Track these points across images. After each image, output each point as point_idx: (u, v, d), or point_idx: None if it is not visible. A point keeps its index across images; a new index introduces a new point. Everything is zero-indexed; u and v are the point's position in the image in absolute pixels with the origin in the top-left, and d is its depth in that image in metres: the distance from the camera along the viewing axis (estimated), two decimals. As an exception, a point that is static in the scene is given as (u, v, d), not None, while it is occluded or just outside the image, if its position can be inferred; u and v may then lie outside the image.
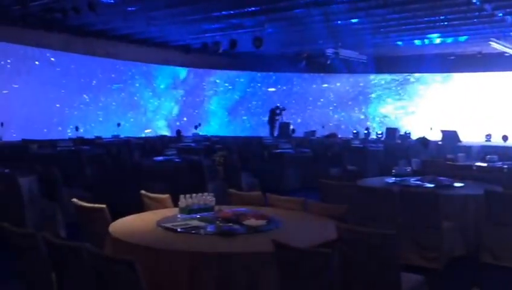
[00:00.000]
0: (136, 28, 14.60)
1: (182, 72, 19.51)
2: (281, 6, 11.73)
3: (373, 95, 20.32)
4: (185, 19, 13.08)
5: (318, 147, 12.84)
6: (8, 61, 14.02)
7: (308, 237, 3.56)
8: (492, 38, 13.98)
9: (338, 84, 20.38)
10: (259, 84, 20.75)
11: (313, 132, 17.90)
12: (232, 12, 12.17)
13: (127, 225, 3.80)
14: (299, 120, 19.74)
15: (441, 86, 18.89)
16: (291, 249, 3.01)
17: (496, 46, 14.40)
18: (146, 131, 17.82)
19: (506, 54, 15.48)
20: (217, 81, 20.60)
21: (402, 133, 16.36)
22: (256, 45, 14.03)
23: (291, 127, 18.04)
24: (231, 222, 3.71)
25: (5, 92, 13.69)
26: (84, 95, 16.07)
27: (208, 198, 4.09)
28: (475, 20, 12.44)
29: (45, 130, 14.32)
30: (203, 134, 17.51)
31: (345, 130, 19.10)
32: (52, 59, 15.07)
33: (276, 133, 17.85)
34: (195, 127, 18.33)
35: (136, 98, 17.88)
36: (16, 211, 5.83)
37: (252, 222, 3.74)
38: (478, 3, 10.72)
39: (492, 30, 13.47)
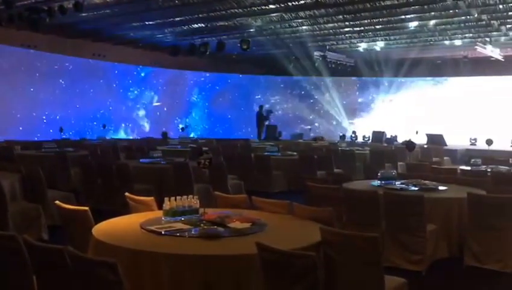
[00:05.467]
0: (124, 29, 14.55)
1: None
2: (270, 9, 11.78)
3: (360, 99, 20.49)
4: (173, 20, 13.07)
5: (305, 150, 12.88)
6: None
7: (292, 239, 3.55)
8: (478, 43, 14.15)
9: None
10: (243, 82, 20.73)
11: (300, 135, 17.97)
12: (219, 13, 12.18)
13: (110, 227, 3.77)
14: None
15: (430, 89, 19.08)
16: (276, 251, 3.00)
17: (482, 50, 14.57)
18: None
19: (492, 59, 15.67)
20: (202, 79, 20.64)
21: (388, 136, 16.48)
22: (243, 47, 14.06)
23: (279, 130, 18.10)
24: (216, 225, 3.70)
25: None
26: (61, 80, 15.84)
27: (192, 200, 4.07)
28: (462, 24, 12.61)
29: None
30: (189, 135, 17.49)
31: (332, 133, 19.21)
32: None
33: (263, 136, 17.88)
34: (182, 129, 18.28)
35: (114, 86, 17.71)
36: (-2, 213, 5.74)
37: (236, 224, 3.74)
38: (465, 8, 10.85)
39: (479, 34, 13.66)
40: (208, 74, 20.53)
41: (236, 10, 11.84)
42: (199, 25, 13.50)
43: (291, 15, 12.35)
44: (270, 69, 19.37)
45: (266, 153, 11.47)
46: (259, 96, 20.73)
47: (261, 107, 18.41)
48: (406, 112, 18.68)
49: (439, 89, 18.81)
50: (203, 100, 20.69)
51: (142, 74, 18.89)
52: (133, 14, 12.61)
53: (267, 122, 18.14)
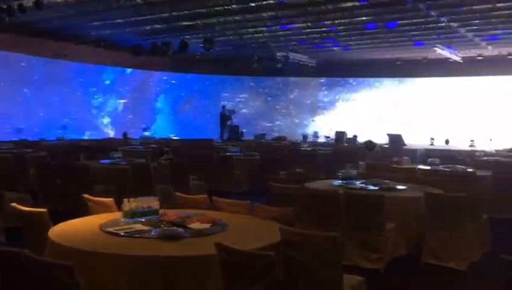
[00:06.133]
0: (85, 28, 14.27)
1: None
2: (233, 9, 11.77)
3: (326, 99, 20.75)
4: (135, 19, 12.90)
5: (267, 150, 12.95)
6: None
7: (252, 240, 3.55)
8: (437, 45, 14.53)
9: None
10: (207, 83, 20.69)
11: (263, 135, 18.05)
12: (182, 13, 12.09)
13: (68, 229, 3.70)
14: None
15: (395, 90, 19.49)
16: (235, 252, 3.01)
17: (441, 52, 14.98)
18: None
19: (451, 60, 16.14)
20: (164, 77, 20.41)
21: (350, 136, 16.76)
22: (206, 47, 14.01)
23: (241, 130, 18.14)
24: (176, 226, 3.68)
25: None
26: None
27: (152, 201, 4.04)
28: (422, 26, 12.90)
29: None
30: (151, 136, 17.30)
31: (294, 133, 19.36)
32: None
33: (226, 136, 17.87)
34: (144, 130, 18.05)
35: (79, 94, 17.37)
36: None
37: (196, 225, 3.73)
38: (424, 9, 11.13)
39: (438, 36, 14.02)
40: (174, 81, 20.33)
41: (198, 10, 11.78)
42: (161, 25, 13.37)
43: (253, 16, 12.36)
44: (234, 70, 19.36)
45: (228, 153, 11.48)
46: (226, 94, 20.69)
47: (223, 107, 18.40)
48: (370, 112, 19.02)
49: (403, 89, 19.23)
50: (169, 106, 20.49)
51: (107, 82, 18.55)
52: (94, 14, 12.36)
53: (229, 123, 18.13)
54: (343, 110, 20.10)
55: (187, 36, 14.46)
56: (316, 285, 3.35)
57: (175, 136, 18.61)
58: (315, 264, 3.32)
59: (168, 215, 3.95)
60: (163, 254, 3.13)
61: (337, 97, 20.58)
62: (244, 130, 18.36)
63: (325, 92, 20.73)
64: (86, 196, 4.45)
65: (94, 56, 16.76)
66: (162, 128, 19.45)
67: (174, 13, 12.06)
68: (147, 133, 17.92)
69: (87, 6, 11.56)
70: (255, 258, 3.00)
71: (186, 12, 11.94)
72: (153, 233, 3.53)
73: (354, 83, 20.23)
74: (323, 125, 19.65)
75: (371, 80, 19.63)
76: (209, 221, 3.84)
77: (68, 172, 7.55)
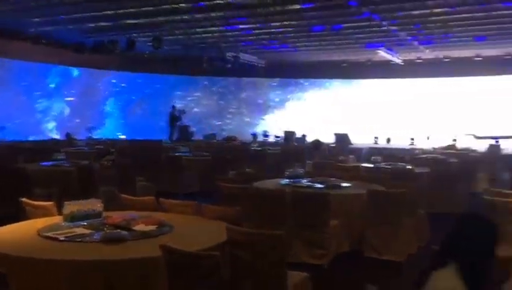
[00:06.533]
0: (25, 24, 13.71)
1: (75, 70, 18.61)
2: (181, 8, 11.67)
3: (277, 99, 20.96)
4: (79, 16, 12.52)
5: (217, 150, 12.92)
6: None
7: (198, 240, 3.54)
8: (380, 48, 15.02)
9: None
10: (157, 86, 20.42)
11: (213, 135, 17.98)
12: (128, 11, 11.85)
13: (4, 235, 3.54)
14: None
15: (344, 90, 19.94)
16: (180, 253, 3.00)
17: (384, 54, 15.51)
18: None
19: (392, 62, 16.72)
20: (113, 81, 19.95)
21: (299, 136, 17.00)
22: (154, 46, 13.80)
23: (191, 130, 18.01)
24: (120, 228, 3.61)
25: None
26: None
27: (95, 204, 3.93)
28: (366, 29, 13.28)
29: None
30: (99, 137, 16.84)
31: (245, 133, 19.42)
32: None
33: (175, 137, 17.69)
34: (89, 131, 17.54)
35: (23, 98, 16.70)
36: None
37: (141, 227, 3.67)
38: (368, 13, 11.45)
39: (382, 39, 14.47)
40: (124, 84, 19.89)
41: (145, 8, 11.59)
42: (107, 22, 13.04)
43: (202, 16, 12.29)
44: (184, 69, 19.18)
45: (178, 154, 11.37)
46: (179, 93, 20.49)
47: (173, 107, 18.20)
48: (320, 112, 19.39)
49: (350, 90, 19.72)
50: (119, 109, 20.01)
51: (52, 85, 17.91)
52: (35, 9, 11.91)
53: (179, 123, 17.97)
54: (293, 110, 20.38)
55: (134, 34, 14.20)
56: (261, 283, 3.39)
57: (123, 136, 18.22)
58: (260, 262, 3.36)
59: (112, 217, 3.86)
60: (105, 258, 3.07)
61: (288, 97, 20.85)
62: (194, 130, 18.24)
63: (278, 92, 20.95)
64: (23, 199, 4.27)
65: (34, 54, 16.11)
66: (111, 131, 18.98)
67: (119, 11, 11.80)
68: (93, 134, 17.41)
69: (28, 1, 11.13)
70: (200, 258, 3.00)
71: (132, 10, 11.71)
72: (95, 236, 3.44)
73: (306, 84, 20.56)
74: (274, 125, 19.83)
75: (323, 80, 20.02)
76: (155, 223, 3.79)
77: (4, 175, 7.21)
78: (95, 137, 16.76)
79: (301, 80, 20.42)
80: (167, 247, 3.01)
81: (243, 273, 3.43)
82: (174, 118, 17.94)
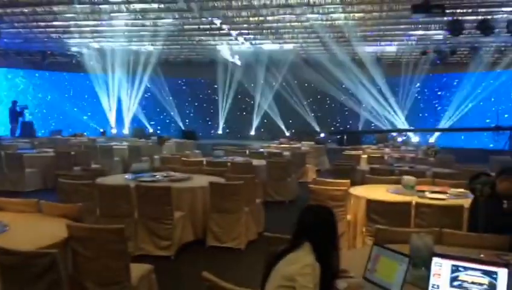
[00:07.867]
0: None
1: None
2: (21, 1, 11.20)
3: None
4: None
5: (63, 147, 12.48)
6: None
7: (37, 239, 3.50)
8: (218, 48, 16.55)
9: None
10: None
11: (59, 131, 17.27)
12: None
13: None
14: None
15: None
16: (13, 253, 2.97)
17: (225, 55, 16.95)
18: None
19: (231, 61, 18.22)
20: None
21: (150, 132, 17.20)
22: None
23: (35, 126, 17.17)
24: None
25: None
26: None
27: None
28: (207, 32, 14.24)
29: None
30: None
31: (93, 129, 18.92)
32: None
33: (18, 133, 16.70)
34: None
35: None
36: None
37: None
38: (208, 17, 12.28)
39: (222, 42, 15.75)
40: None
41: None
42: None
43: (44, 9, 11.96)
44: (25, 63, 18.14)
45: (19, 151, 10.77)
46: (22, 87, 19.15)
47: (14, 103, 17.26)
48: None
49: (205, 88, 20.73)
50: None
51: None
52: None
53: (21, 119, 17.03)
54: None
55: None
56: (104, 277, 3.50)
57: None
58: (102, 256, 3.47)
59: None
60: None
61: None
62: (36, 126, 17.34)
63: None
64: None
65: None
66: None
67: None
68: None
69: None
70: (35, 257, 2.99)
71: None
72: None
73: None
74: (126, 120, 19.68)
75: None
76: (-13, 223, 3.70)
77: None
78: None
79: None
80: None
81: (84, 268, 3.50)
82: (16, 113, 16.99)
